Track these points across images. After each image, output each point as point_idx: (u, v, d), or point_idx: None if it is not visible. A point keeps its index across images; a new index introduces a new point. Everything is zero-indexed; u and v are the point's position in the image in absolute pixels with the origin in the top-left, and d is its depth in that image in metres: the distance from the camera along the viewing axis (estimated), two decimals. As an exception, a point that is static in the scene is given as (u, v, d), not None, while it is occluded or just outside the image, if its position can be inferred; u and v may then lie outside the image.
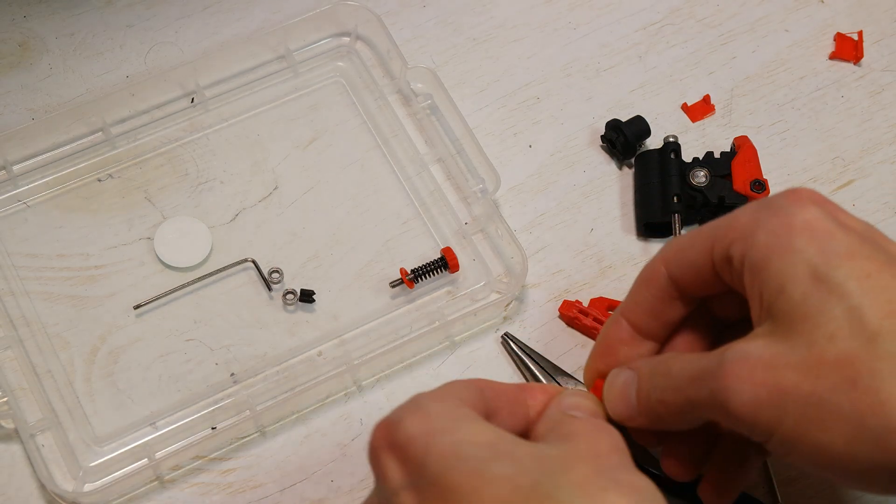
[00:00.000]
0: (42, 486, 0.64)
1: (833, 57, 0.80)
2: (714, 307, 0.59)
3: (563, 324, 0.71)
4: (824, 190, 0.76)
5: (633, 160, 0.75)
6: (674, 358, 0.55)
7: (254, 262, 0.71)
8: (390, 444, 0.50)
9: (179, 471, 0.66)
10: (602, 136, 0.76)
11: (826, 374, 0.48)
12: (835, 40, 0.81)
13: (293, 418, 0.68)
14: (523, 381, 0.69)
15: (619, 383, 0.57)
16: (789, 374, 0.49)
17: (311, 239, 0.72)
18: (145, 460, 0.64)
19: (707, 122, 0.78)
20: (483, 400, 0.54)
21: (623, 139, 0.75)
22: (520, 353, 0.69)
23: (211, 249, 0.72)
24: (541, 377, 0.68)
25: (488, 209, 0.72)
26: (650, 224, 0.73)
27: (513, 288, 0.70)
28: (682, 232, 0.72)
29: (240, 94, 0.77)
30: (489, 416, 0.53)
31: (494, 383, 0.56)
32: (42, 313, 0.69)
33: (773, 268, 0.51)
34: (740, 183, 0.71)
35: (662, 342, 0.60)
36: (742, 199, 0.71)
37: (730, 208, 0.72)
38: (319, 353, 0.69)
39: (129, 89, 0.74)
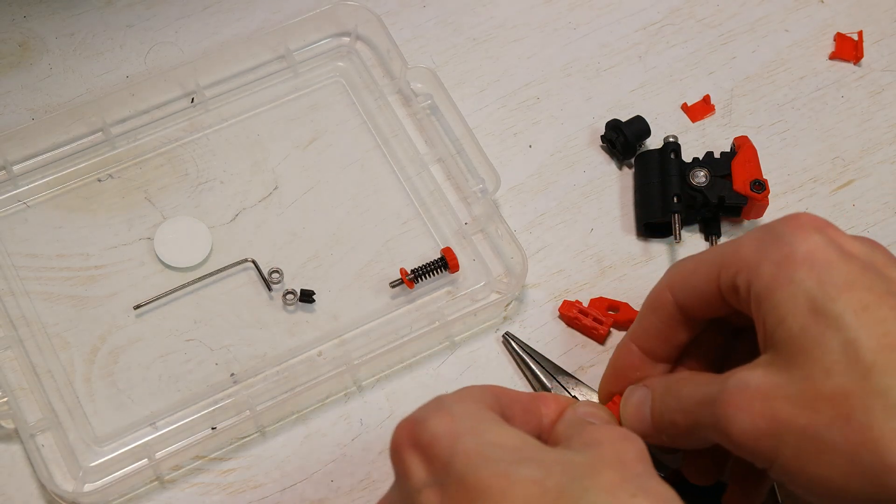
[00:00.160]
0: (42, 486, 0.64)
1: (833, 57, 0.80)
2: (728, 316, 0.60)
3: (563, 324, 0.71)
4: (824, 190, 0.76)
5: (633, 160, 0.75)
6: (684, 379, 0.56)
7: (254, 262, 0.71)
8: (414, 442, 0.50)
9: (179, 471, 0.66)
10: (602, 136, 0.76)
11: (822, 409, 0.49)
12: (835, 40, 0.81)
13: (293, 418, 0.68)
14: (524, 380, 0.69)
15: (635, 401, 0.58)
16: (786, 406, 0.50)
17: (311, 239, 0.72)
18: (145, 460, 0.64)
19: (707, 122, 0.78)
20: (499, 405, 0.54)
21: (623, 139, 0.75)
22: (520, 353, 0.69)
23: (211, 249, 0.72)
24: (541, 377, 0.68)
25: (488, 209, 0.72)
26: (650, 224, 0.73)
27: (513, 288, 0.70)
28: (682, 232, 0.72)
29: (240, 94, 0.77)
30: (506, 421, 0.53)
31: (509, 390, 0.56)
32: (42, 313, 0.69)
33: (775, 299, 0.51)
34: (740, 183, 0.71)
35: (674, 362, 0.60)
36: (742, 199, 0.71)
37: (730, 208, 0.72)
38: (319, 354, 0.69)
39: (129, 89, 0.74)
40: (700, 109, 0.78)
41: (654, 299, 0.59)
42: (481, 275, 0.71)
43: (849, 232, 0.57)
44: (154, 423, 0.67)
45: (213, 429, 0.66)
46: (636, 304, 0.71)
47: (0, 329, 0.68)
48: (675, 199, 0.72)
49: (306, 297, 0.70)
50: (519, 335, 0.70)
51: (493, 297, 0.71)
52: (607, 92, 0.79)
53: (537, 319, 0.71)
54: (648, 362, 0.60)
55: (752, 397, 0.50)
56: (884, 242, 0.55)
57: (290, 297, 0.70)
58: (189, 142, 0.75)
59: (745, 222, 0.74)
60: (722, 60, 0.80)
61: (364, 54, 0.79)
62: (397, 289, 0.71)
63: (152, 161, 0.74)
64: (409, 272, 0.70)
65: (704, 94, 0.78)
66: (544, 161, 0.76)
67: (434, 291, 0.71)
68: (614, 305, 0.71)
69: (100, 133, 0.75)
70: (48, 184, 0.73)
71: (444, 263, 0.70)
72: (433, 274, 0.71)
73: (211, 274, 0.71)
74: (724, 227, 0.74)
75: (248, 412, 0.66)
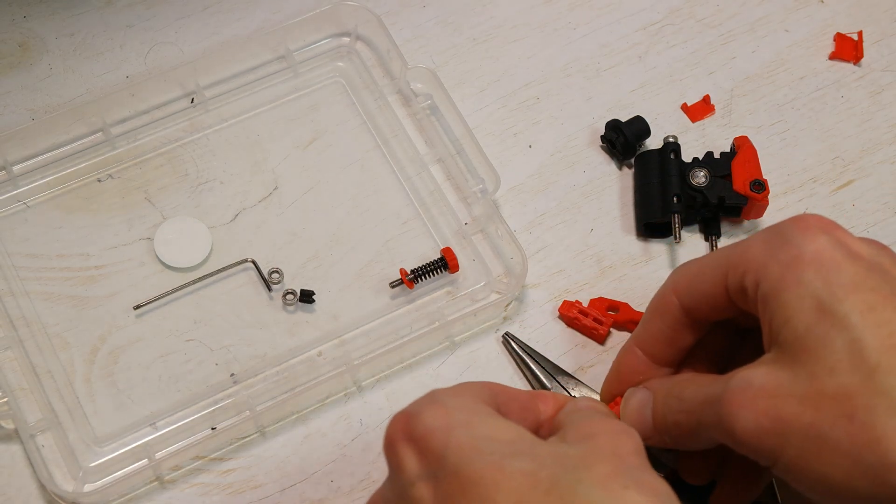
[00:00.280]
0: (42, 487, 0.64)
1: (833, 57, 0.80)
2: (734, 318, 0.60)
3: (563, 324, 0.71)
4: (824, 190, 0.76)
5: (633, 160, 0.75)
6: (687, 381, 0.56)
7: (254, 262, 0.71)
8: (408, 435, 0.50)
9: (179, 471, 0.66)
10: (602, 136, 0.76)
11: (826, 408, 0.49)
12: (835, 40, 0.81)
13: (293, 419, 0.68)
14: (524, 380, 0.69)
15: (635, 402, 0.58)
16: (790, 404, 0.50)
17: (311, 239, 0.72)
18: (145, 460, 0.64)
19: (707, 123, 0.78)
20: (495, 402, 0.54)
21: (623, 139, 0.75)
22: (520, 353, 0.69)
23: (211, 249, 0.72)
24: (541, 377, 0.68)
25: (488, 209, 0.72)
26: (650, 224, 0.73)
27: (513, 288, 0.70)
28: (682, 232, 0.72)
29: (240, 94, 0.77)
30: (499, 415, 0.54)
31: (506, 388, 0.56)
32: (42, 313, 0.69)
33: (782, 299, 0.51)
34: (740, 183, 0.71)
35: (677, 366, 0.60)
36: (742, 200, 0.71)
37: (730, 208, 0.72)
38: (319, 354, 0.69)
39: (129, 89, 0.74)
40: (700, 109, 0.78)
41: (658, 303, 0.59)
42: (481, 275, 0.71)
43: (849, 232, 0.57)
44: (154, 423, 0.67)
45: (213, 429, 0.66)
46: (636, 304, 0.71)
47: (0, 329, 0.68)
48: (675, 200, 0.72)
49: (306, 297, 0.70)
50: (519, 335, 0.70)
51: (493, 297, 0.71)
52: (607, 92, 0.79)
53: (537, 319, 0.71)
54: (652, 366, 0.60)
55: (755, 395, 0.51)
56: (884, 242, 0.55)
57: (290, 297, 0.70)
58: (189, 142, 0.75)
59: (745, 222, 0.74)
60: (722, 60, 0.80)
61: (364, 54, 0.79)
62: (397, 289, 0.71)
63: (152, 161, 0.74)
64: (408, 272, 0.70)
65: (704, 94, 0.78)
66: (544, 161, 0.76)
67: (434, 291, 0.71)
68: (614, 305, 0.71)
69: (100, 133, 0.75)
70: (48, 184, 0.73)
71: (444, 263, 0.70)
72: (433, 274, 0.71)
73: (211, 274, 0.71)
74: (724, 227, 0.74)
75: (248, 412, 0.66)
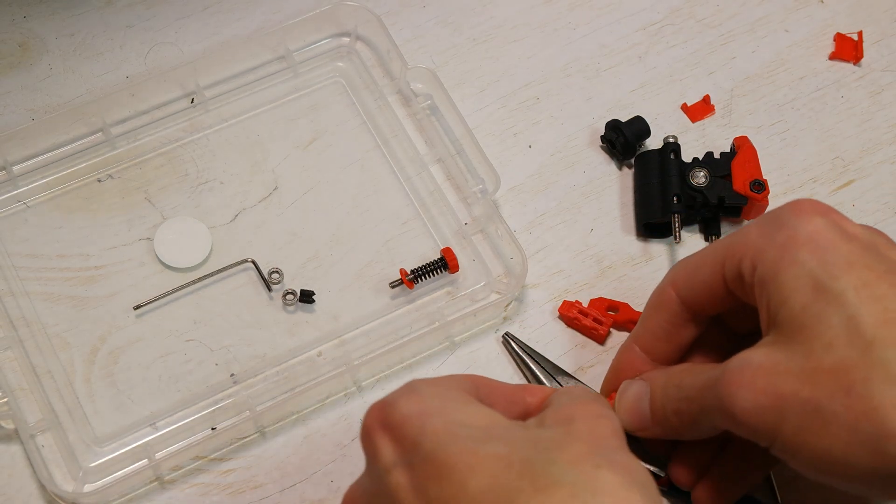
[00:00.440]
0: (42, 487, 0.65)
1: (833, 57, 0.80)
2: (727, 320, 0.60)
3: (562, 324, 0.71)
4: (824, 190, 0.76)
5: (632, 160, 0.75)
6: (685, 370, 0.57)
7: (254, 262, 0.71)
8: (384, 423, 0.51)
9: (179, 471, 0.66)
10: (602, 137, 0.76)
11: (823, 382, 0.49)
12: (835, 40, 0.81)
13: (293, 419, 0.68)
14: (524, 381, 0.69)
15: (632, 394, 0.59)
16: (788, 381, 0.50)
17: (311, 239, 0.72)
18: (145, 461, 0.64)
19: (707, 123, 0.78)
20: (478, 393, 0.54)
21: (623, 139, 0.75)
22: (520, 353, 0.69)
23: (211, 250, 0.72)
24: (541, 377, 0.68)
25: (488, 209, 0.72)
26: (650, 224, 0.73)
27: (513, 288, 0.70)
28: (682, 232, 0.72)
29: (240, 94, 0.77)
30: (477, 402, 0.54)
31: (491, 380, 0.57)
32: (42, 313, 0.69)
33: (779, 281, 0.52)
34: (740, 183, 0.71)
35: (675, 364, 0.60)
36: (742, 200, 0.71)
37: (729, 208, 0.72)
38: (319, 354, 0.69)
39: (129, 89, 0.74)
40: (700, 109, 0.78)
41: (657, 298, 0.60)
42: (481, 275, 0.71)
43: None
44: (154, 423, 0.67)
45: (213, 429, 0.66)
46: (636, 304, 0.71)
47: (0, 329, 0.68)
48: (674, 200, 0.72)
49: (306, 297, 0.70)
50: (519, 335, 0.70)
51: (493, 297, 0.71)
52: (607, 92, 0.79)
53: (537, 320, 0.71)
54: (650, 364, 0.60)
55: (754, 374, 0.51)
56: (884, 242, 0.55)
57: (290, 297, 0.70)
58: (189, 142, 0.75)
59: (745, 223, 0.74)
60: (722, 60, 0.80)
61: (364, 54, 0.79)
62: (397, 289, 0.71)
63: (152, 161, 0.74)
64: (408, 272, 0.70)
65: (704, 95, 0.78)
66: (544, 161, 0.76)
67: (434, 292, 0.71)
68: (614, 306, 0.71)
69: (100, 133, 0.75)
70: (48, 184, 0.73)
71: (444, 264, 0.70)
72: (433, 274, 0.71)
73: (211, 274, 0.71)
74: (724, 227, 0.74)
75: (247, 412, 0.66)
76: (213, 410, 0.67)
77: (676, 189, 0.72)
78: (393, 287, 0.71)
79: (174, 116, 0.76)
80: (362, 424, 0.52)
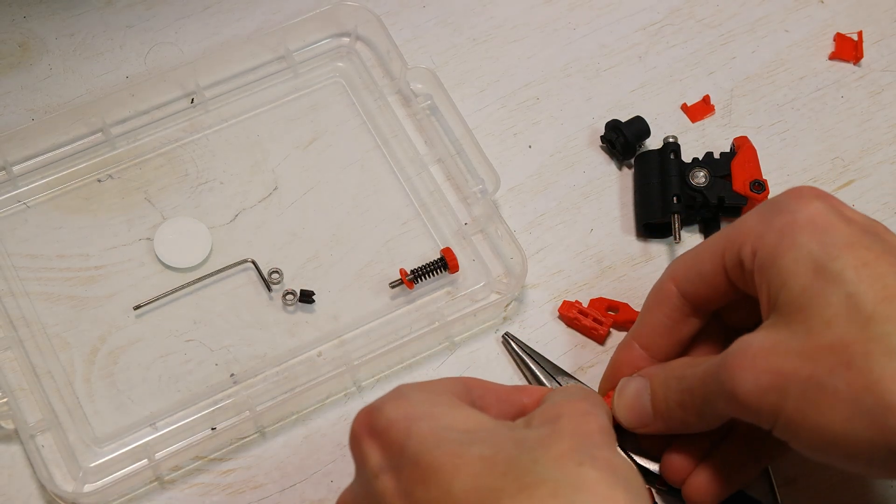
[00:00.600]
0: (42, 487, 0.65)
1: (833, 57, 0.80)
2: (726, 316, 0.60)
3: (562, 324, 0.71)
4: (824, 190, 0.75)
5: (632, 160, 0.75)
6: (685, 362, 0.57)
7: (254, 262, 0.71)
8: (371, 429, 0.51)
9: (179, 471, 0.66)
10: (602, 137, 0.76)
11: (823, 358, 0.50)
12: (835, 40, 0.81)
13: (293, 419, 0.68)
14: (524, 381, 0.69)
15: (631, 391, 0.58)
16: (789, 359, 0.50)
17: (311, 239, 0.73)
18: (145, 461, 0.65)
19: (707, 123, 0.78)
20: (469, 396, 0.54)
21: (623, 139, 0.75)
22: (520, 353, 0.69)
23: (211, 250, 0.72)
24: (541, 377, 0.68)
25: (488, 209, 0.72)
26: (650, 224, 0.73)
27: (513, 288, 0.70)
28: (682, 232, 0.72)
29: (240, 94, 0.77)
30: (477, 410, 0.54)
31: (483, 381, 0.57)
32: (42, 314, 0.69)
33: (779, 265, 0.52)
34: (740, 183, 0.71)
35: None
36: (742, 200, 0.71)
37: (729, 209, 0.72)
38: (319, 354, 0.69)
39: (129, 89, 0.74)
40: (700, 110, 0.78)
41: (657, 292, 0.60)
42: (481, 275, 0.71)
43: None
44: (154, 423, 0.67)
45: (212, 429, 0.66)
46: (636, 304, 0.71)
47: (0, 329, 0.68)
48: (674, 200, 0.72)
49: (306, 297, 0.70)
50: (519, 335, 0.70)
51: (493, 297, 0.71)
52: (607, 92, 0.79)
53: (537, 320, 0.71)
54: (649, 361, 0.60)
55: (755, 355, 0.51)
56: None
57: (289, 297, 0.70)
58: (189, 142, 0.75)
59: (745, 214, 0.74)
60: (722, 60, 0.80)
61: (364, 54, 0.79)
62: (397, 289, 0.71)
63: (152, 161, 0.74)
64: (408, 272, 0.70)
65: (704, 95, 0.78)
66: (544, 161, 0.76)
67: (434, 292, 0.71)
68: (614, 306, 0.71)
69: (100, 133, 0.75)
70: (48, 184, 0.73)
71: (444, 264, 0.70)
72: (433, 274, 0.71)
73: (211, 274, 0.71)
74: (724, 227, 0.74)
75: (247, 412, 0.66)
76: (213, 410, 0.67)
77: (676, 189, 0.72)
78: (393, 287, 0.71)
79: (174, 116, 0.76)
80: (350, 430, 0.52)
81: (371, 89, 0.77)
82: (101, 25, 0.79)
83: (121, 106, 0.75)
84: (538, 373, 0.68)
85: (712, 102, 0.78)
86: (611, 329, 0.70)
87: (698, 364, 0.55)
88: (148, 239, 0.72)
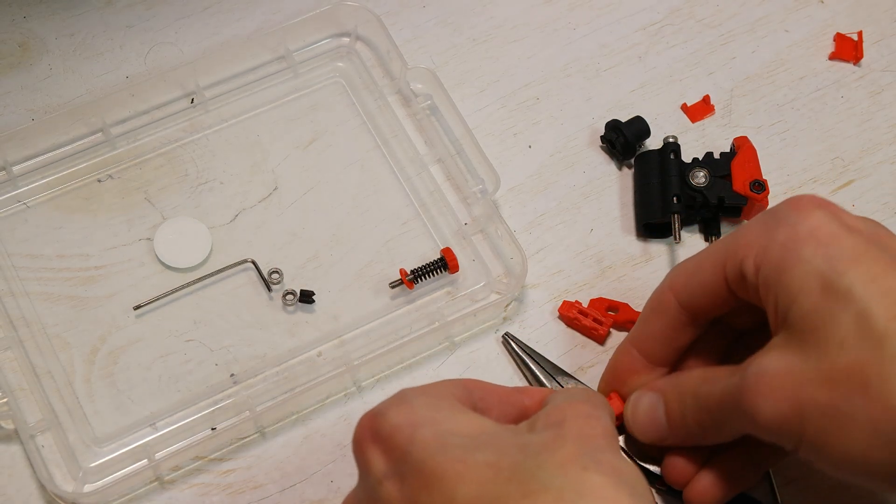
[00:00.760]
0: (42, 487, 0.65)
1: (833, 57, 0.80)
2: (726, 317, 0.60)
3: (562, 324, 0.71)
4: (824, 190, 0.76)
5: (632, 160, 0.75)
6: (698, 377, 0.56)
7: (254, 262, 0.71)
8: (374, 435, 0.51)
9: (179, 471, 0.66)
10: (602, 137, 0.76)
11: (839, 383, 0.49)
12: (834, 40, 0.81)
13: (293, 419, 0.68)
14: (524, 381, 0.69)
15: (645, 406, 0.58)
16: (807, 386, 0.50)
17: (311, 239, 0.73)
18: (145, 461, 0.65)
19: (707, 123, 0.78)
20: (471, 398, 0.54)
21: (623, 139, 0.75)
22: (520, 354, 0.69)
23: (211, 250, 0.72)
24: (541, 377, 0.68)
25: (488, 209, 0.72)
26: (650, 224, 0.73)
27: (513, 288, 0.70)
28: (682, 232, 0.72)
29: (240, 94, 0.77)
30: (479, 412, 0.54)
31: (485, 383, 0.56)
32: (42, 314, 0.69)
33: (785, 280, 0.52)
34: (740, 183, 0.71)
35: (673, 366, 0.60)
36: (742, 200, 0.71)
37: (729, 209, 0.72)
38: (319, 354, 0.69)
39: (129, 90, 0.74)
40: (700, 110, 0.78)
41: (655, 302, 0.59)
42: (481, 275, 0.71)
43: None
44: (154, 423, 0.67)
45: (212, 429, 0.66)
46: (636, 304, 0.71)
47: (0, 329, 0.68)
48: (674, 200, 0.72)
49: (306, 297, 0.70)
50: (519, 335, 0.70)
51: (493, 297, 0.71)
52: (607, 92, 0.79)
53: (537, 320, 0.71)
54: (648, 366, 0.60)
55: (771, 382, 0.51)
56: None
57: (289, 297, 0.70)
58: (189, 142, 0.75)
59: (745, 223, 0.74)
60: (722, 60, 0.80)
61: (364, 54, 0.79)
62: (397, 289, 0.71)
63: (152, 161, 0.74)
64: (408, 272, 0.70)
65: (704, 95, 0.78)
66: (544, 161, 0.76)
67: (434, 292, 0.71)
68: (614, 306, 0.71)
69: (100, 133, 0.75)
70: (48, 184, 0.73)
71: (444, 264, 0.70)
72: (433, 274, 0.71)
73: (211, 274, 0.71)
74: (724, 227, 0.74)
75: (247, 413, 0.66)
76: (213, 410, 0.67)
77: (676, 189, 0.72)
78: (393, 287, 0.71)
79: (174, 116, 0.76)
80: (353, 435, 0.52)
81: (371, 89, 0.77)
82: (101, 25, 0.79)
83: (121, 106, 0.75)
84: (538, 373, 0.68)
85: (712, 102, 0.78)
86: (611, 329, 0.70)
87: (713, 382, 0.55)
88: (148, 239, 0.72)
